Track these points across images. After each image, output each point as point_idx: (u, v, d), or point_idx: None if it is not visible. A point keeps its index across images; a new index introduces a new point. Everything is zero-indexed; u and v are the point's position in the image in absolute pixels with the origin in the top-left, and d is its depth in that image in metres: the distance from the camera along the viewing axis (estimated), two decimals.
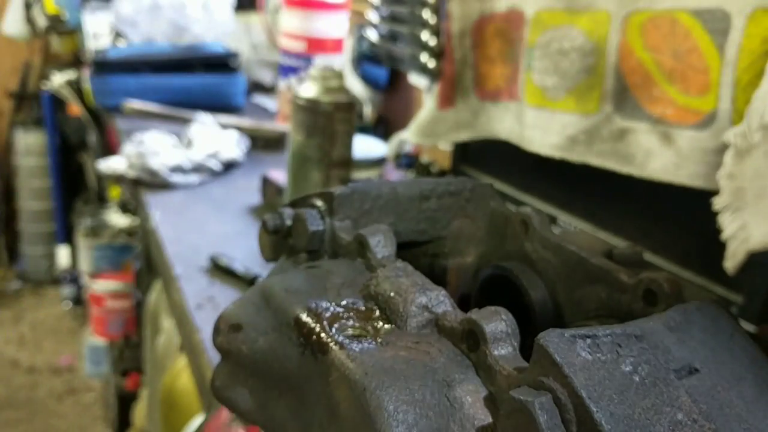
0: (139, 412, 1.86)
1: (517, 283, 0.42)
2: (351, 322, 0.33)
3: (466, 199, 0.48)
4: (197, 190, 1.10)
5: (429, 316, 0.33)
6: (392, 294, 0.34)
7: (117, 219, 2.43)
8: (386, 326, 0.33)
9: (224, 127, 1.27)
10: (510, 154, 0.88)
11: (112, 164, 1.13)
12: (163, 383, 1.25)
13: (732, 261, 0.57)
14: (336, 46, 1.34)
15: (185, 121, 1.32)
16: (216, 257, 0.83)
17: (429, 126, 0.99)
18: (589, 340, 0.27)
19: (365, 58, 1.50)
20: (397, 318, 0.33)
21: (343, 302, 0.35)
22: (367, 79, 1.57)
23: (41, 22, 2.44)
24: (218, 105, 1.48)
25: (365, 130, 1.47)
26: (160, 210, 1.00)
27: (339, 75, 0.89)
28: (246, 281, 0.79)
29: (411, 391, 0.28)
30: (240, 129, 1.29)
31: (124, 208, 2.45)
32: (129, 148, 1.12)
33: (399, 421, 0.27)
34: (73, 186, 3.07)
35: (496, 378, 0.29)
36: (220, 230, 0.95)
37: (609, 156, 0.72)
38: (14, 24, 2.64)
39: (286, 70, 1.35)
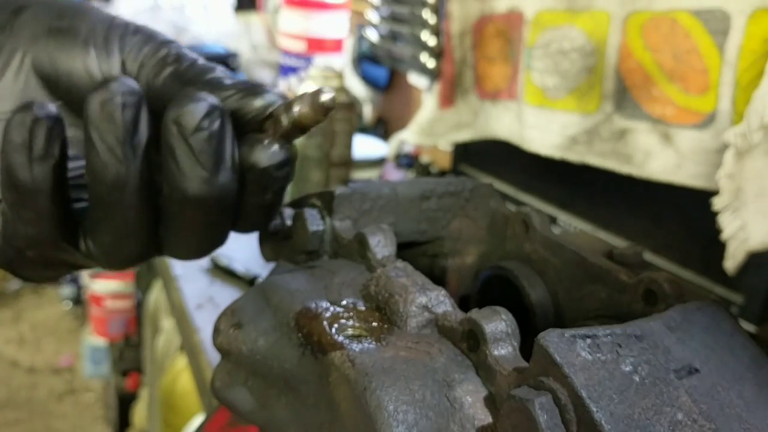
0: (139, 412, 1.87)
1: (517, 283, 0.42)
2: (351, 322, 0.33)
3: (466, 199, 0.48)
4: None
5: (429, 316, 0.33)
6: (392, 294, 0.34)
7: None
8: (386, 326, 0.33)
9: None
10: (510, 154, 0.88)
11: None
12: (163, 383, 1.25)
13: (732, 261, 0.57)
14: (336, 46, 1.34)
15: None
16: (216, 257, 0.83)
17: (429, 126, 0.99)
18: (589, 340, 0.27)
19: (365, 58, 1.50)
20: (397, 318, 0.33)
21: (343, 302, 0.35)
22: (367, 79, 1.57)
23: None
24: None
25: (365, 130, 1.47)
26: None
27: (339, 75, 0.89)
28: (246, 281, 0.79)
29: (411, 391, 0.28)
30: None
31: None
32: None
33: (399, 421, 0.27)
34: None
35: (496, 378, 0.29)
36: None
37: (609, 156, 0.72)
38: None
39: (286, 70, 1.35)
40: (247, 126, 0.33)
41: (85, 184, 0.34)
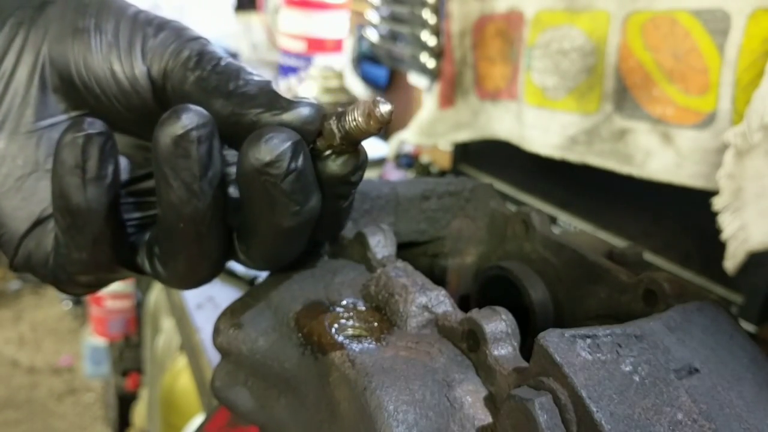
0: (139, 412, 1.87)
1: (517, 283, 0.42)
2: (351, 322, 0.33)
3: (466, 199, 0.48)
4: None
5: (429, 316, 0.33)
6: (392, 294, 0.34)
7: None
8: (386, 326, 0.33)
9: None
10: (510, 154, 0.88)
11: None
12: (163, 383, 1.25)
13: (732, 261, 0.57)
14: (336, 46, 1.34)
15: None
16: None
17: (429, 126, 0.99)
18: (589, 340, 0.27)
19: (365, 58, 1.50)
20: (397, 318, 0.33)
21: (343, 302, 0.35)
22: (367, 79, 1.57)
23: None
24: None
25: None
26: None
27: (339, 75, 0.89)
28: (246, 281, 0.79)
29: (411, 391, 0.28)
30: None
31: None
32: None
33: (399, 421, 0.27)
34: None
35: (496, 378, 0.29)
36: None
37: (609, 156, 0.72)
38: None
39: (286, 70, 1.36)
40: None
41: (137, 202, 0.33)
